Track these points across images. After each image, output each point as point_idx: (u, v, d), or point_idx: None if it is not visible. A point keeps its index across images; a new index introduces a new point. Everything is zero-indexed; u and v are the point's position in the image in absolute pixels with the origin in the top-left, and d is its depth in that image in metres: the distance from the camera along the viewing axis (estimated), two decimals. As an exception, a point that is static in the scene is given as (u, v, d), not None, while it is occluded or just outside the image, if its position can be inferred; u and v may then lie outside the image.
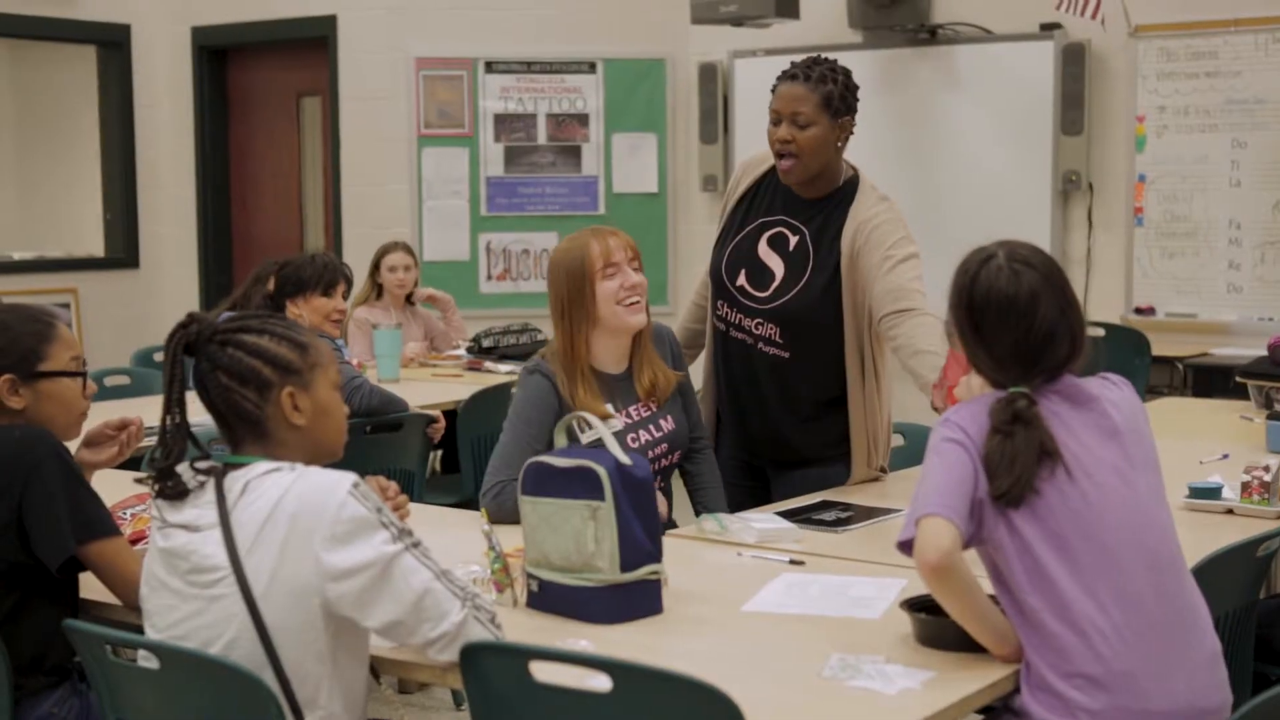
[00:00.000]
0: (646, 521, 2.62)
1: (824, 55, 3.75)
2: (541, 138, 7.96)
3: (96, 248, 8.61)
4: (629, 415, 3.43)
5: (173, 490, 2.38)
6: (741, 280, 3.76)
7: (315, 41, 8.11)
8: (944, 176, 7.14)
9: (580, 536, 2.59)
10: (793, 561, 2.97)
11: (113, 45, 8.39)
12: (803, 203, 3.73)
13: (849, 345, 3.69)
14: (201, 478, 2.38)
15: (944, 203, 7.10)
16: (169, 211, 8.58)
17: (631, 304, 3.37)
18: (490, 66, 7.89)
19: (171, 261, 8.59)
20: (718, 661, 2.36)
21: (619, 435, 3.35)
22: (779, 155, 3.66)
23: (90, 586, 2.78)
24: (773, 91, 3.71)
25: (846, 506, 3.46)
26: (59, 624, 2.48)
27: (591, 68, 7.92)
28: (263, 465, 2.36)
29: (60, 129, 9.13)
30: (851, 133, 3.70)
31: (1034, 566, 2.33)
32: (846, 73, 3.69)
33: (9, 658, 2.59)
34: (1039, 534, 2.33)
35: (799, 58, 3.74)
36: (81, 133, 8.75)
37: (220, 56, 8.57)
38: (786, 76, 3.67)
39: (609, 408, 3.38)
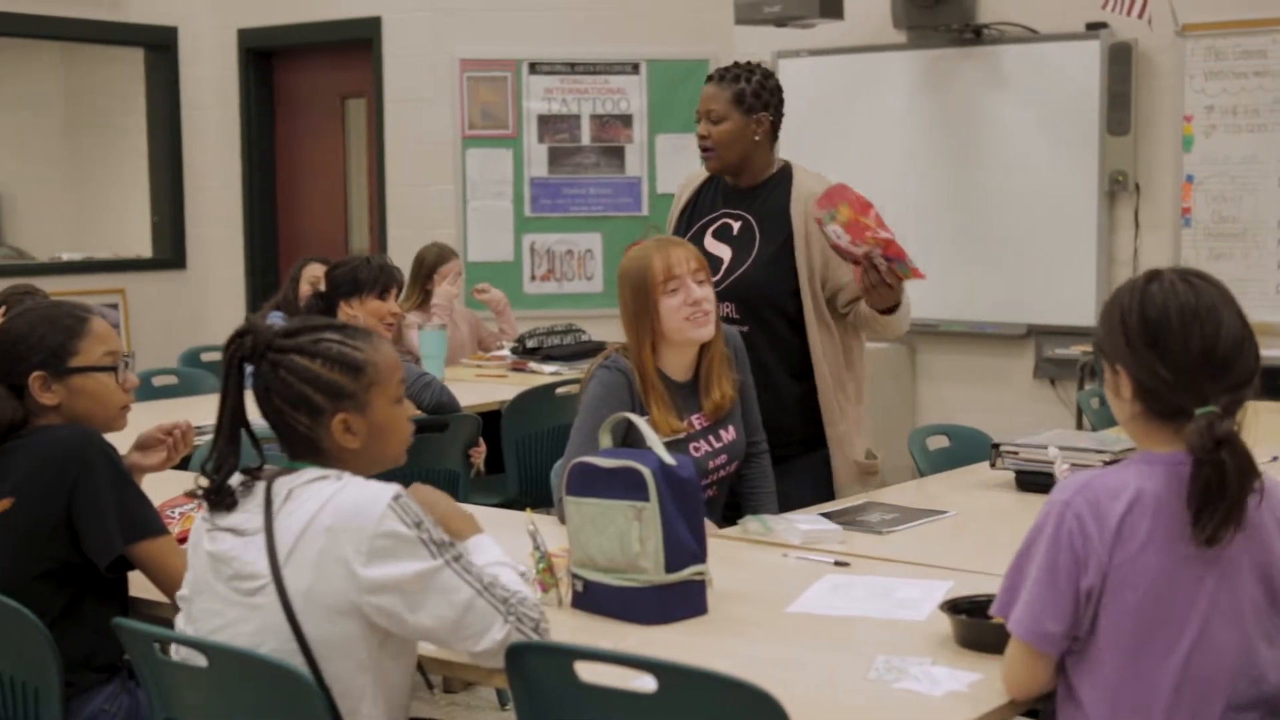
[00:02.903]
0: (691, 522, 2.62)
1: (750, 61, 4.04)
2: (585, 139, 7.96)
3: (144, 249, 8.68)
4: (691, 424, 3.44)
5: (222, 503, 2.38)
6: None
7: (360, 43, 8.14)
8: (989, 177, 7.10)
9: (625, 537, 2.59)
10: (837, 563, 2.97)
11: (160, 48, 8.46)
12: (740, 193, 3.98)
13: (808, 314, 3.84)
14: (250, 481, 2.39)
15: (989, 204, 7.07)
16: (215, 213, 8.63)
17: (697, 317, 3.38)
18: (534, 68, 7.91)
19: (218, 262, 8.65)
20: (763, 662, 2.36)
21: (680, 444, 3.38)
22: (701, 149, 3.98)
23: (140, 585, 2.80)
24: None
25: (891, 508, 3.45)
26: (109, 622, 2.50)
27: (635, 68, 7.92)
28: (310, 472, 2.35)
29: (108, 131, 9.21)
30: (771, 128, 3.95)
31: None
32: (765, 73, 3.98)
33: (60, 655, 2.61)
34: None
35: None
36: (129, 135, 8.82)
37: (266, 58, 8.62)
38: (707, 80, 4.01)
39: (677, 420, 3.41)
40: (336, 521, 2.25)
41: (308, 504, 2.29)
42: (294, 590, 2.26)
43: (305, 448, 2.40)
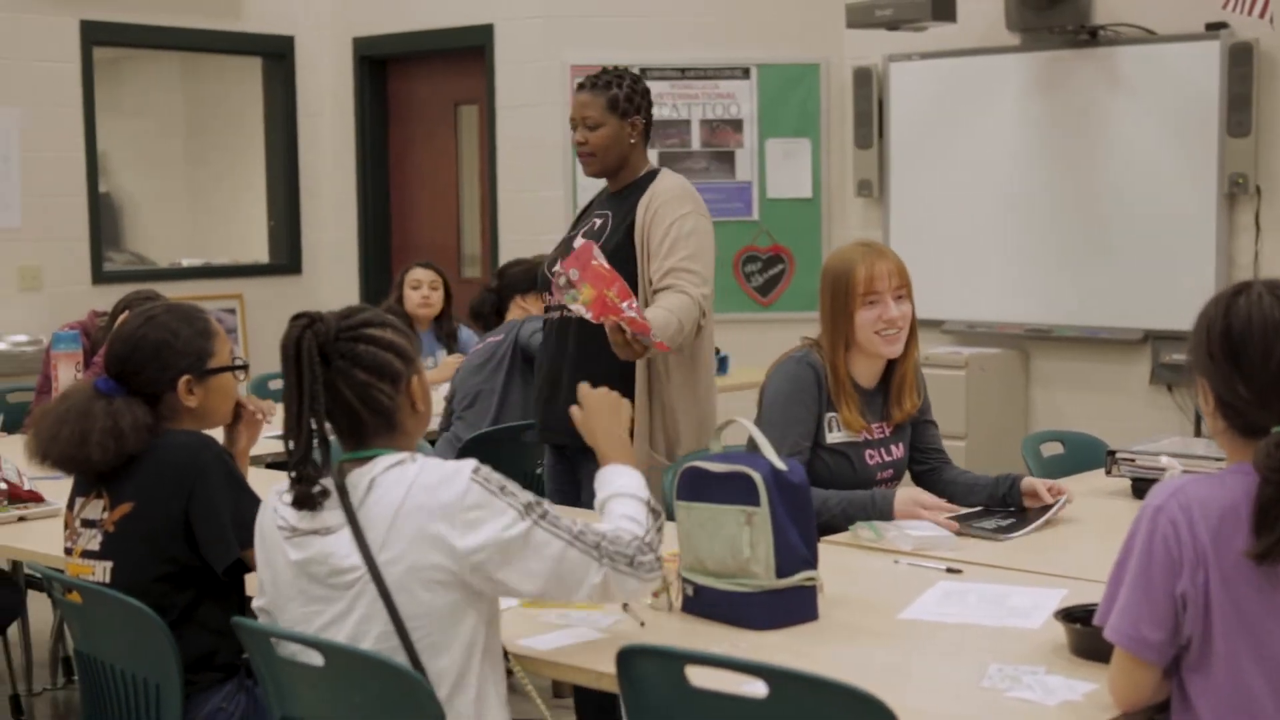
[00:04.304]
0: (802, 527, 2.62)
1: (616, 66, 4.22)
2: (695, 143, 7.96)
3: (261, 254, 8.81)
4: (868, 432, 3.49)
5: (312, 500, 2.40)
6: (557, 266, 4.03)
7: (473, 51, 8.21)
8: (1106, 180, 7.00)
9: (735, 542, 2.59)
10: (949, 570, 2.95)
11: (277, 57, 8.59)
12: (613, 196, 4.15)
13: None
14: (322, 484, 2.40)
15: (1105, 207, 6.97)
16: (330, 218, 8.75)
17: (889, 335, 3.42)
18: (644, 73, 7.92)
19: (333, 267, 8.76)
20: (874, 669, 2.36)
21: (858, 448, 3.44)
22: (581, 155, 4.13)
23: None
24: None
25: (1007, 514, 3.42)
26: (227, 622, 2.55)
27: (745, 73, 7.91)
28: (384, 460, 2.39)
29: (227, 139, 9.36)
30: (642, 130, 4.13)
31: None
32: (634, 78, 4.16)
33: (180, 654, 2.66)
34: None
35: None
36: (247, 142, 8.97)
37: (380, 66, 8.72)
38: (578, 88, 4.16)
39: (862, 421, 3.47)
40: (427, 500, 2.31)
41: (393, 490, 2.34)
42: (392, 573, 2.31)
43: (381, 424, 2.42)
